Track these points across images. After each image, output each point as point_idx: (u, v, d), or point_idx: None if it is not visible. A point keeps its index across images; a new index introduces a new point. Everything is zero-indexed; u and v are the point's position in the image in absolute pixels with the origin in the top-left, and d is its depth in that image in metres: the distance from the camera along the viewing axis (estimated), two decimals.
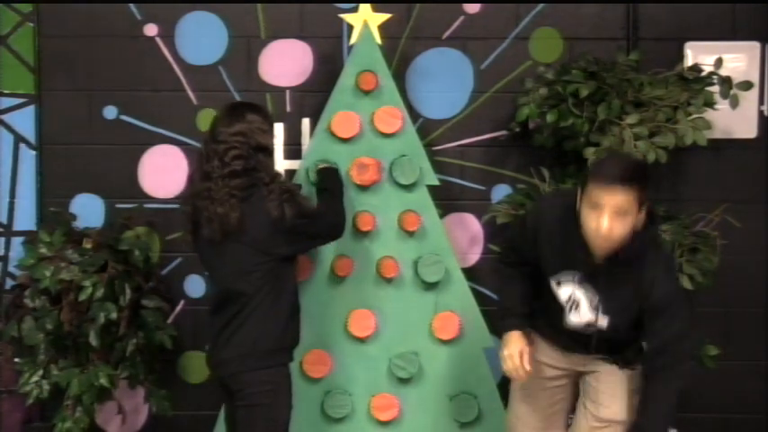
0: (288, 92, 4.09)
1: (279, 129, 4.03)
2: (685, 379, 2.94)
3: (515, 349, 3.02)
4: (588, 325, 2.95)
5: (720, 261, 3.82)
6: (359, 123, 3.72)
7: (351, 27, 3.79)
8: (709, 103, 3.79)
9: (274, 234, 3.16)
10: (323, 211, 3.37)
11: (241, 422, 3.22)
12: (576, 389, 3.22)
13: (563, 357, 3.14)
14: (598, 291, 2.89)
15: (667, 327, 2.85)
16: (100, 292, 3.62)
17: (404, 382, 3.72)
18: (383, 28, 3.78)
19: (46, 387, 3.71)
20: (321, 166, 3.60)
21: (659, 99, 3.76)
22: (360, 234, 3.72)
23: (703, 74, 3.84)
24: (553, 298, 2.99)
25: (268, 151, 3.27)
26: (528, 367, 3.00)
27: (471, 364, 3.73)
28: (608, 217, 2.70)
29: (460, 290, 3.74)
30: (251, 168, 3.17)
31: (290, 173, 3.96)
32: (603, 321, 2.92)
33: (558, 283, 2.96)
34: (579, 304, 2.93)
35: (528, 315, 3.11)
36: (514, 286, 3.13)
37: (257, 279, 3.16)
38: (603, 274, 2.86)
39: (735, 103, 3.87)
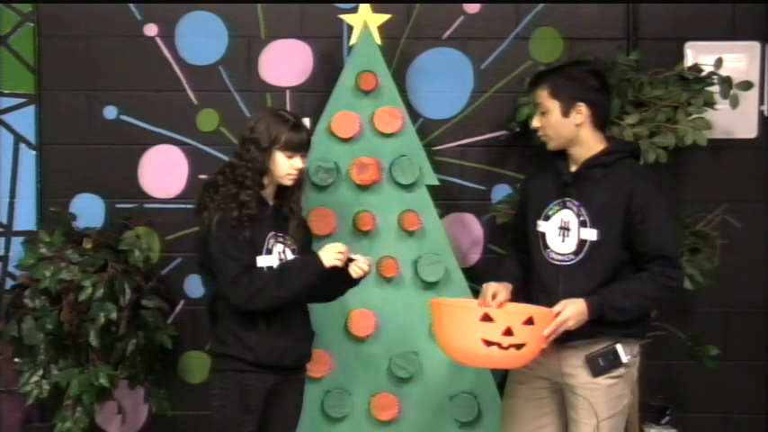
0: (288, 92, 4.09)
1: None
2: (675, 283, 3.00)
3: (492, 287, 3.09)
4: (579, 245, 3.01)
5: (720, 261, 3.82)
6: (359, 123, 3.72)
7: (351, 27, 3.79)
8: (709, 103, 3.79)
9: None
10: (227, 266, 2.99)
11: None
12: (563, 421, 3.18)
13: (541, 358, 3.09)
14: (581, 202, 3.03)
15: (655, 232, 2.97)
16: (100, 292, 3.62)
17: (404, 381, 3.72)
18: (383, 28, 3.78)
19: (46, 387, 3.70)
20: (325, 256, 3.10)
21: (659, 99, 3.76)
22: (359, 234, 3.72)
23: (703, 74, 3.84)
24: (544, 258, 3.08)
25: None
26: (495, 306, 3.06)
27: None
28: (536, 116, 3.09)
29: (460, 290, 3.74)
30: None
31: None
32: (592, 234, 3.00)
33: (547, 218, 3.08)
34: (569, 227, 3.05)
35: (520, 280, 3.19)
36: (510, 260, 3.27)
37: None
38: (581, 180, 3.03)
39: (735, 103, 3.87)
